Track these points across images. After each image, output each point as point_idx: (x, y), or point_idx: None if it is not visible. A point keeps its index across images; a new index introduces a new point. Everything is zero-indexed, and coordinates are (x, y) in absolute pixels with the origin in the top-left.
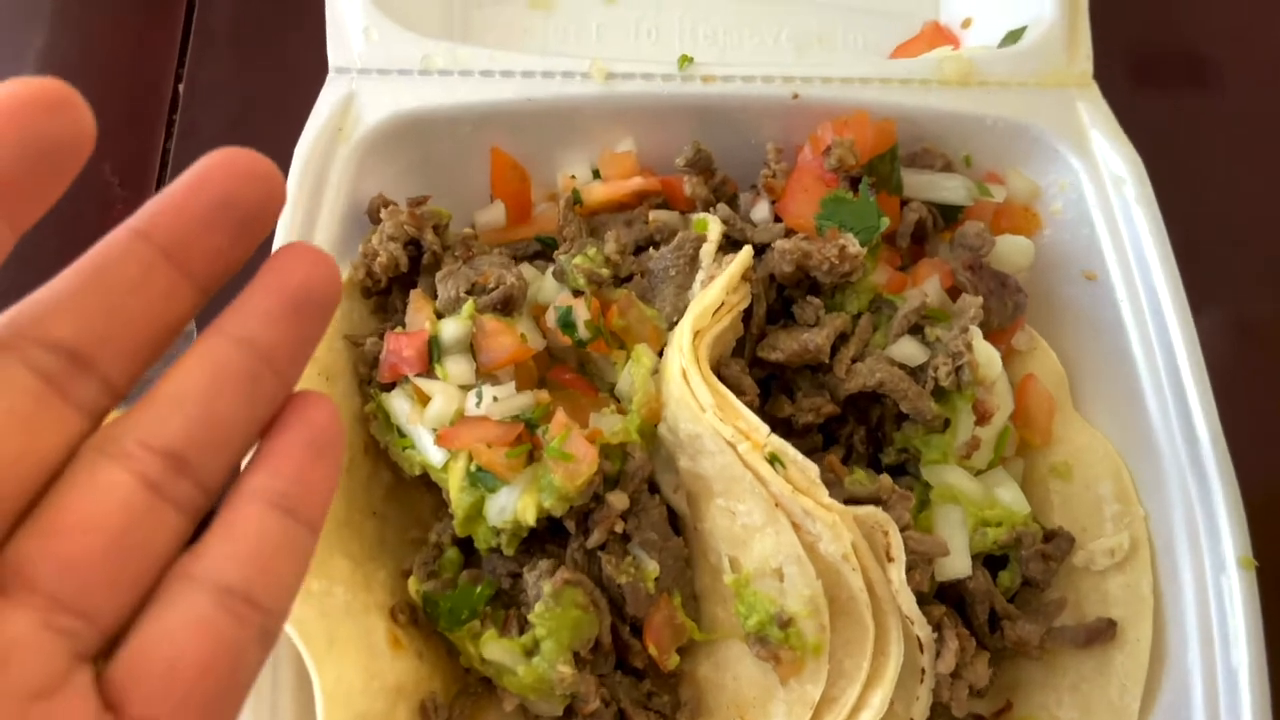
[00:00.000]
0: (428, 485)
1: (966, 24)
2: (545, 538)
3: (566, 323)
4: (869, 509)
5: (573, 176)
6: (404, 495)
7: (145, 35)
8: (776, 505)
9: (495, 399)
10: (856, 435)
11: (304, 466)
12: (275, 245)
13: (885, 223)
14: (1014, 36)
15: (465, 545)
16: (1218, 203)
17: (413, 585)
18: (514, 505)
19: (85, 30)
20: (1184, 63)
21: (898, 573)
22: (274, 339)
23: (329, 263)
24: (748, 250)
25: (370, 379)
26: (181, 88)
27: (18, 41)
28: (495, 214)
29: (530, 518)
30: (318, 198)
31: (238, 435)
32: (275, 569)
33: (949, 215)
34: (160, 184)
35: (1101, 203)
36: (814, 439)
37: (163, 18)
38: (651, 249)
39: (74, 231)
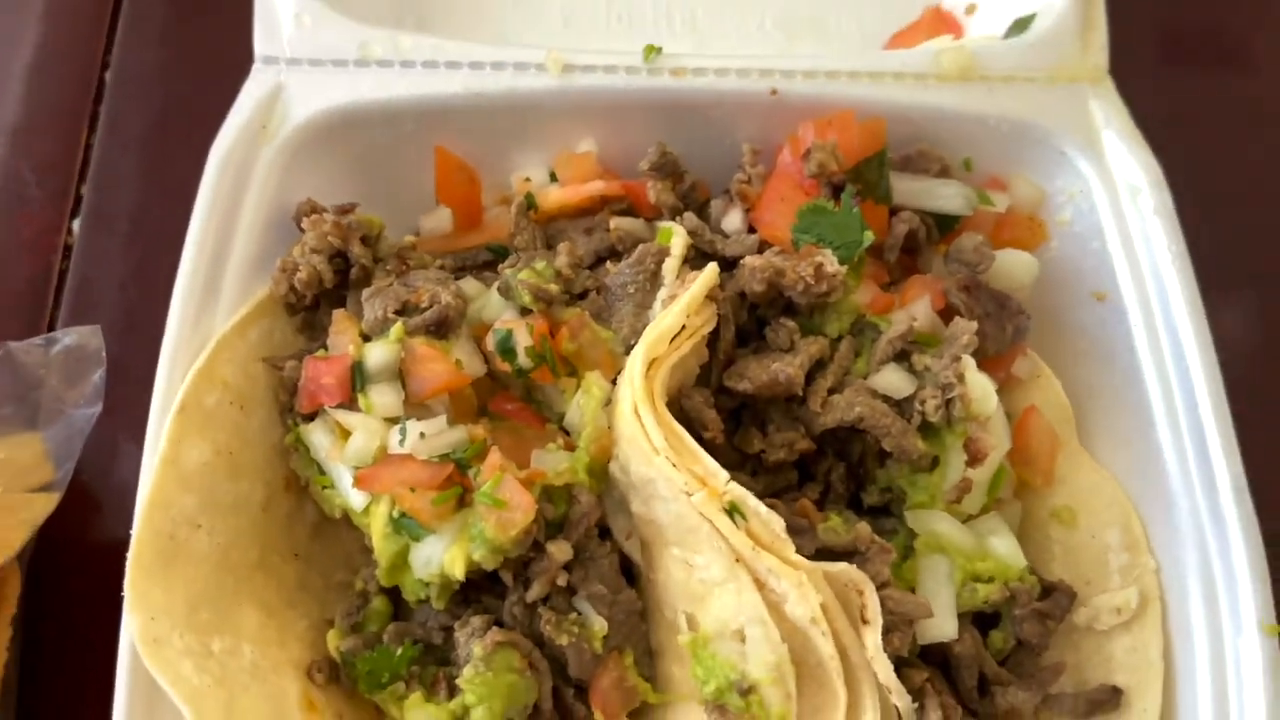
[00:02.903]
0: (353, 523)
1: (970, 10)
2: (483, 587)
3: (506, 348)
4: (842, 566)
5: (527, 179)
6: (331, 534)
7: (69, 19)
8: (737, 560)
9: (422, 435)
10: (835, 472)
11: None
12: (184, 257)
13: (869, 237)
14: (1021, 25)
15: (395, 593)
16: (1254, 204)
17: (332, 641)
18: (440, 556)
19: (4, 21)
20: (1214, 48)
21: (873, 637)
22: None
23: None
24: (712, 269)
25: (291, 407)
26: (108, 76)
27: None
28: (441, 220)
29: (459, 571)
30: (237, 203)
31: None
32: None
33: (945, 225)
34: (81, 182)
35: (1114, 214)
36: (788, 475)
37: (88, 2)
38: (609, 263)
39: None
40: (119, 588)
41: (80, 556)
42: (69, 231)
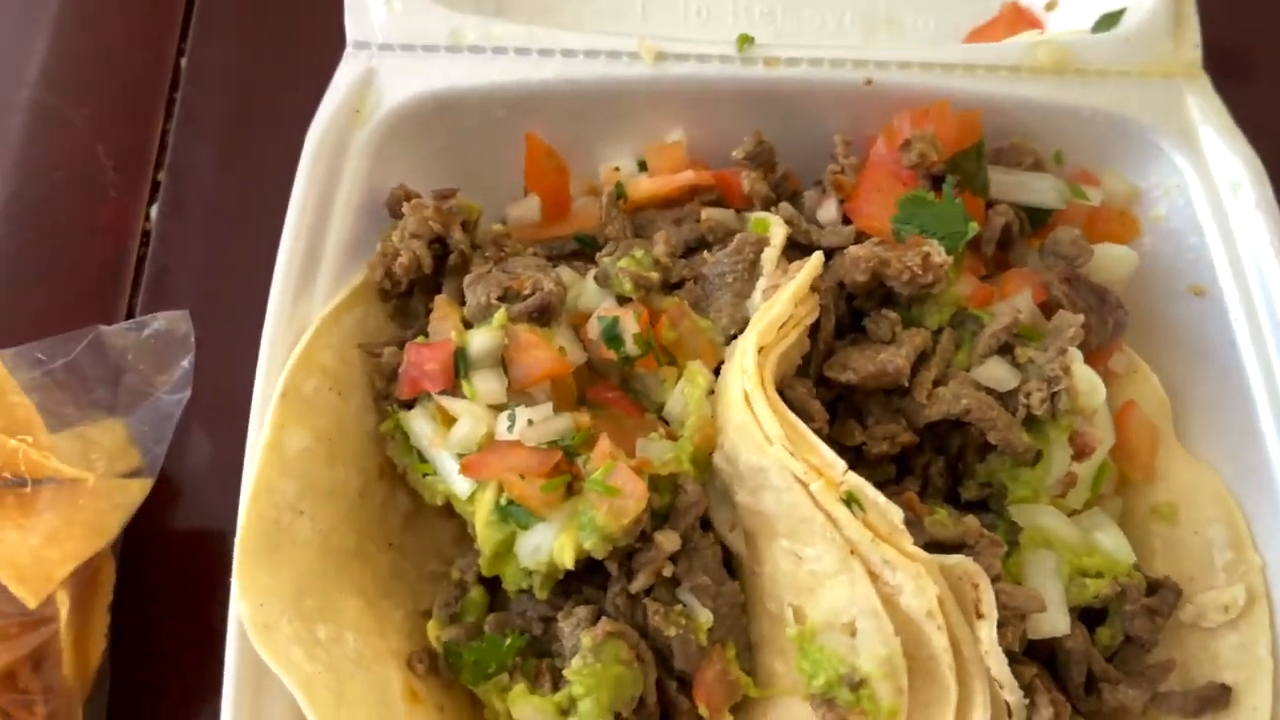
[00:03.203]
0: (450, 512)
1: (1051, 6)
2: (583, 577)
3: (612, 336)
4: (958, 558)
5: (616, 168)
6: (423, 524)
7: (150, 7)
8: (852, 552)
9: (530, 422)
10: (934, 466)
11: None
12: (283, 242)
13: (974, 228)
14: (1110, 20)
15: (492, 583)
16: None
17: (432, 631)
18: (550, 545)
19: (82, 9)
20: None
21: (988, 631)
22: None
23: None
24: (818, 256)
25: (388, 394)
26: (184, 62)
27: (26, 16)
28: (529, 208)
29: (568, 559)
30: (331, 189)
31: None
32: None
33: (1037, 219)
34: (158, 168)
35: (1213, 208)
36: (887, 469)
37: None
38: (705, 252)
39: (67, 218)
40: (202, 575)
41: (164, 544)
42: (146, 218)
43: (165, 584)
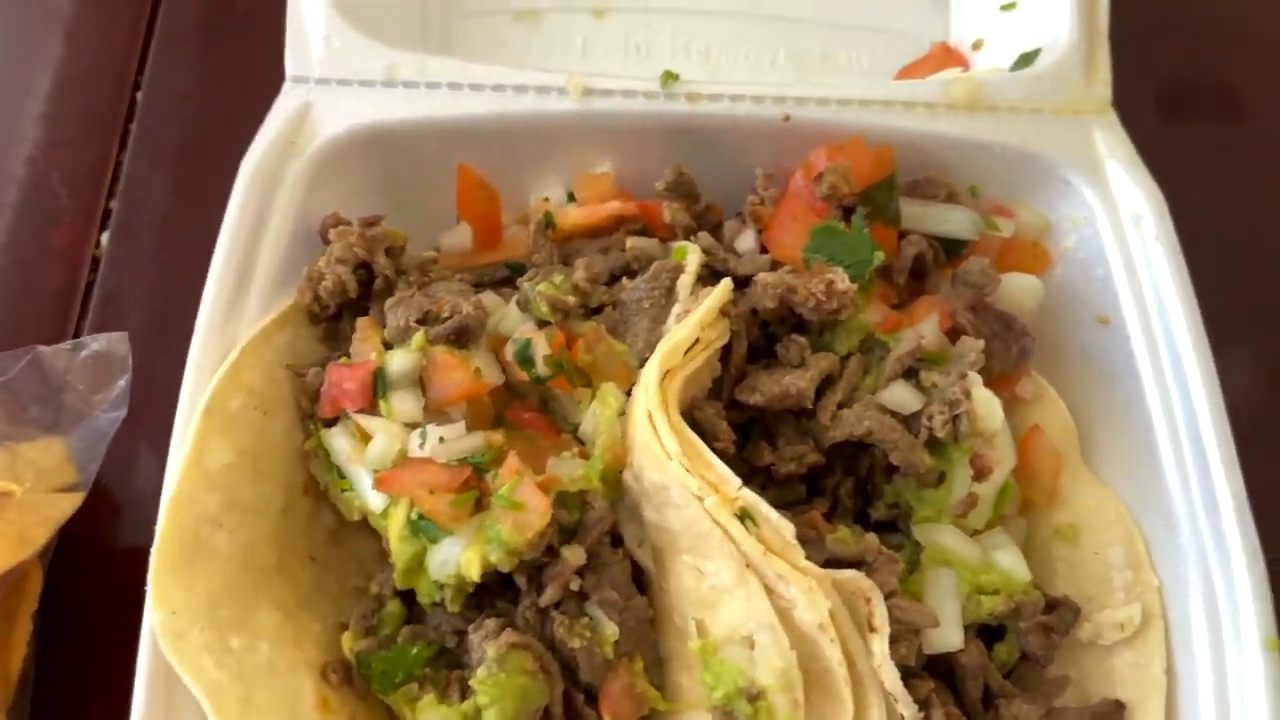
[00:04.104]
0: (373, 529)
1: (978, 45)
2: (496, 591)
3: (524, 357)
4: (850, 573)
5: (546, 199)
6: (346, 540)
7: (105, 39)
8: (748, 566)
9: (441, 439)
10: (843, 487)
11: None
12: (214, 265)
13: (879, 257)
14: (1027, 59)
15: (409, 597)
16: (1249, 241)
17: (347, 642)
18: (457, 558)
19: (41, 36)
20: (1214, 92)
21: (880, 645)
22: None
23: None
24: (726, 283)
25: (313, 413)
26: (140, 95)
27: None
28: (461, 236)
29: (474, 573)
30: (265, 216)
31: None
32: None
33: (951, 250)
34: (110, 196)
35: (1118, 240)
36: (796, 489)
37: (122, 25)
38: (626, 278)
39: (20, 243)
40: (136, 589)
41: (98, 558)
42: (97, 244)
43: (96, 594)
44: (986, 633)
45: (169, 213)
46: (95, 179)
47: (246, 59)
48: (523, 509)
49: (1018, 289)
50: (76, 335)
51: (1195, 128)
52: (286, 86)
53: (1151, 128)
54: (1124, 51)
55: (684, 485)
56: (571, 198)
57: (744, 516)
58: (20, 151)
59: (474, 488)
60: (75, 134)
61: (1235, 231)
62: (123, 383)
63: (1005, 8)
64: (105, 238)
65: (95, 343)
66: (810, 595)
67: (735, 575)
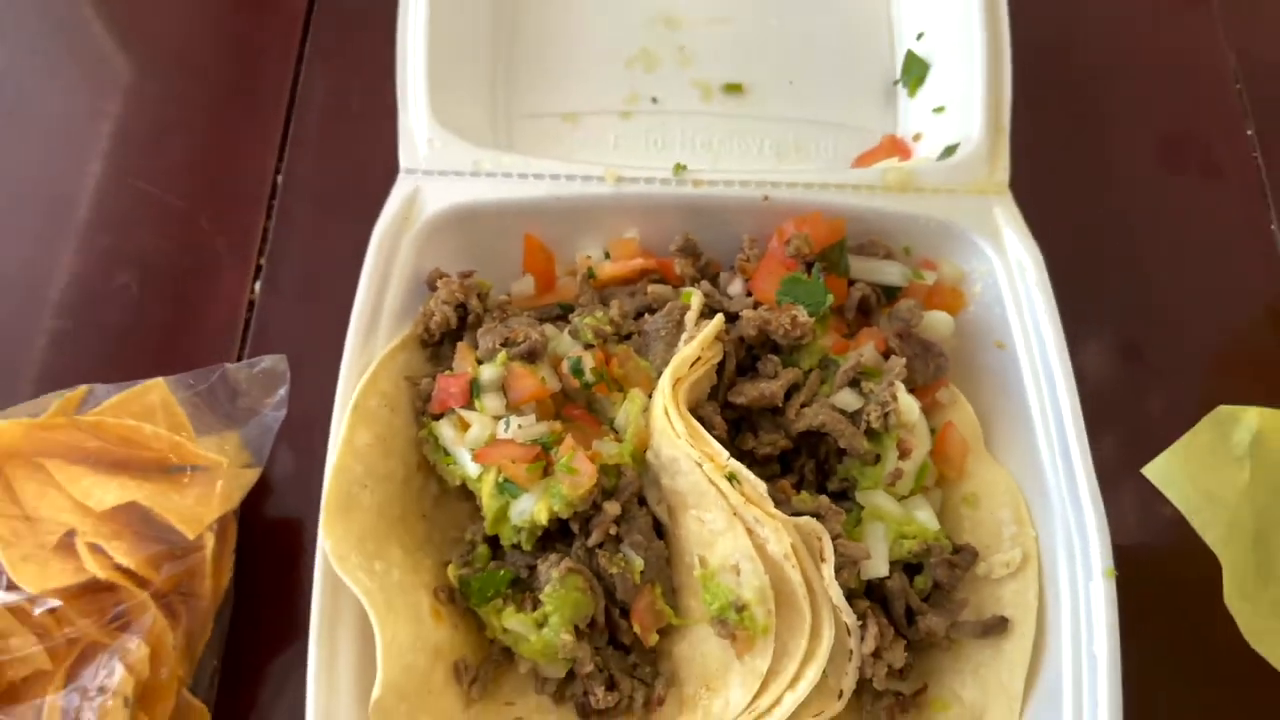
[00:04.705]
0: (465, 497)
1: (917, 138)
2: (555, 538)
3: (577, 370)
4: (806, 519)
5: (588, 256)
6: (447, 504)
7: (253, 139)
8: (734, 514)
9: (519, 426)
10: (807, 466)
11: None
12: (355, 307)
13: (830, 299)
14: (949, 151)
15: (493, 544)
16: (1111, 281)
17: (451, 571)
18: (531, 508)
19: (207, 136)
20: (1089, 169)
21: (828, 570)
22: None
23: None
24: (720, 317)
25: (424, 411)
26: (280, 179)
27: (160, 142)
28: (526, 285)
29: (543, 518)
30: (389, 270)
31: None
32: None
33: (890, 294)
34: (260, 255)
35: (1010, 286)
36: (773, 468)
37: (267, 128)
38: (648, 314)
39: (195, 290)
40: (283, 545)
41: (257, 523)
42: (252, 291)
43: (266, 540)
44: (908, 570)
45: (304, 269)
46: (249, 242)
47: (356, 148)
48: (577, 473)
49: (937, 322)
50: (239, 357)
51: (1061, 195)
52: (401, 176)
53: (1032, 203)
54: (1017, 146)
55: (689, 456)
56: (607, 255)
57: (731, 478)
58: (192, 222)
59: (542, 460)
60: (233, 208)
61: (1091, 270)
62: (283, 391)
63: (936, 110)
64: (258, 286)
65: (264, 361)
66: (778, 533)
67: (725, 521)
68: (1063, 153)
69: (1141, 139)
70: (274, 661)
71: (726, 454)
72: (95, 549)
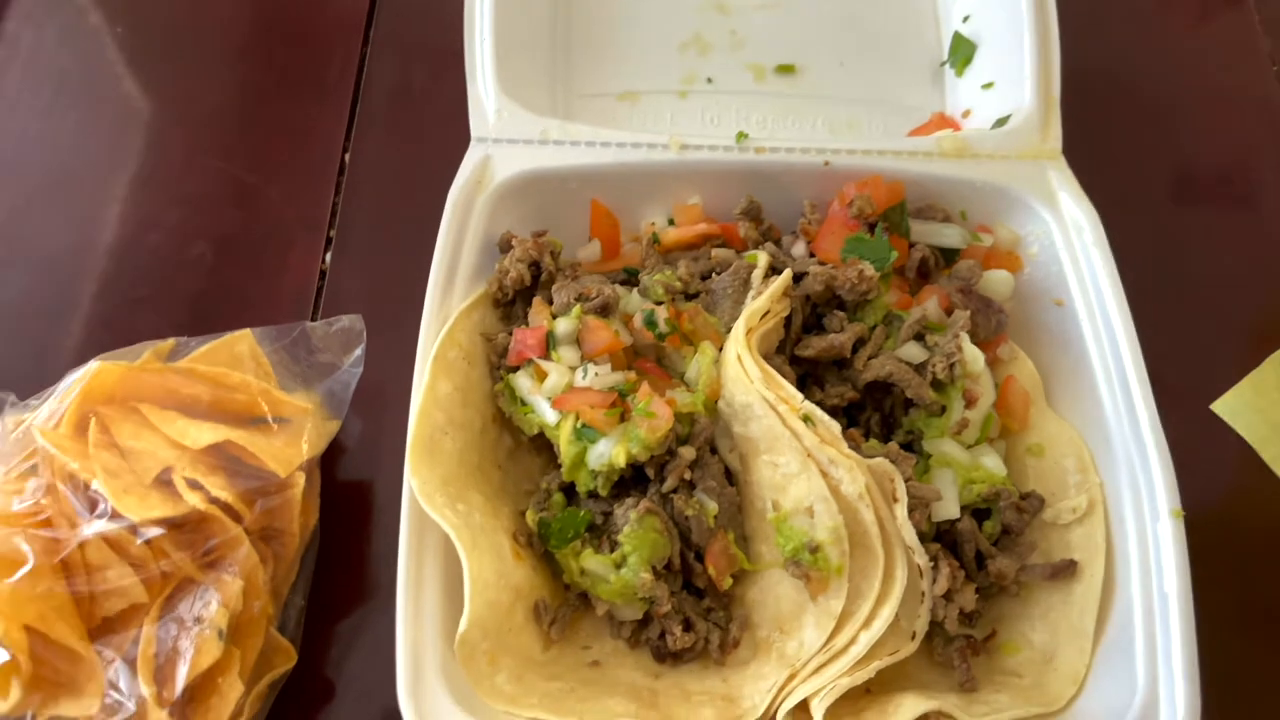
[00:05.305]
0: (538, 450)
1: (966, 114)
2: (630, 485)
3: (650, 322)
4: (879, 459)
5: (653, 223)
6: (520, 457)
7: (322, 120)
8: (808, 456)
9: (596, 374)
10: (873, 419)
11: None
12: (433, 268)
13: (894, 255)
14: (1001, 122)
15: (568, 493)
16: (1156, 241)
17: (530, 516)
18: (609, 452)
19: (278, 118)
20: (1137, 145)
21: (901, 511)
22: None
23: None
24: (788, 271)
25: (499, 365)
26: (348, 157)
27: (233, 124)
28: (593, 250)
29: (621, 461)
30: (463, 233)
31: None
32: None
33: (949, 256)
34: (331, 227)
35: (1066, 246)
36: (840, 421)
37: (335, 110)
38: (714, 276)
39: (271, 259)
40: (356, 495)
41: (335, 477)
42: (324, 260)
43: (336, 501)
44: (977, 515)
45: (371, 239)
46: (320, 215)
47: (419, 126)
48: (654, 416)
49: (996, 281)
50: (313, 319)
51: (1112, 166)
52: (473, 144)
53: (1086, 167)
54: (1068, 116)
55: (764, 399)
56: (671, 222)
57: (805, 419)
58: (264, 197)
59: (619, 406)
60: (305, 185)
61: (1147, 234)
62: (359, 350)
63: (985, 87)
64: (329, 256)
65: (342, 320)
66: (852, 473)
67: (800, 463)
68: (1105, 134)
69: (1187, 124)
70: (355, 606)
71: (801, 396)
72: (192, 484)
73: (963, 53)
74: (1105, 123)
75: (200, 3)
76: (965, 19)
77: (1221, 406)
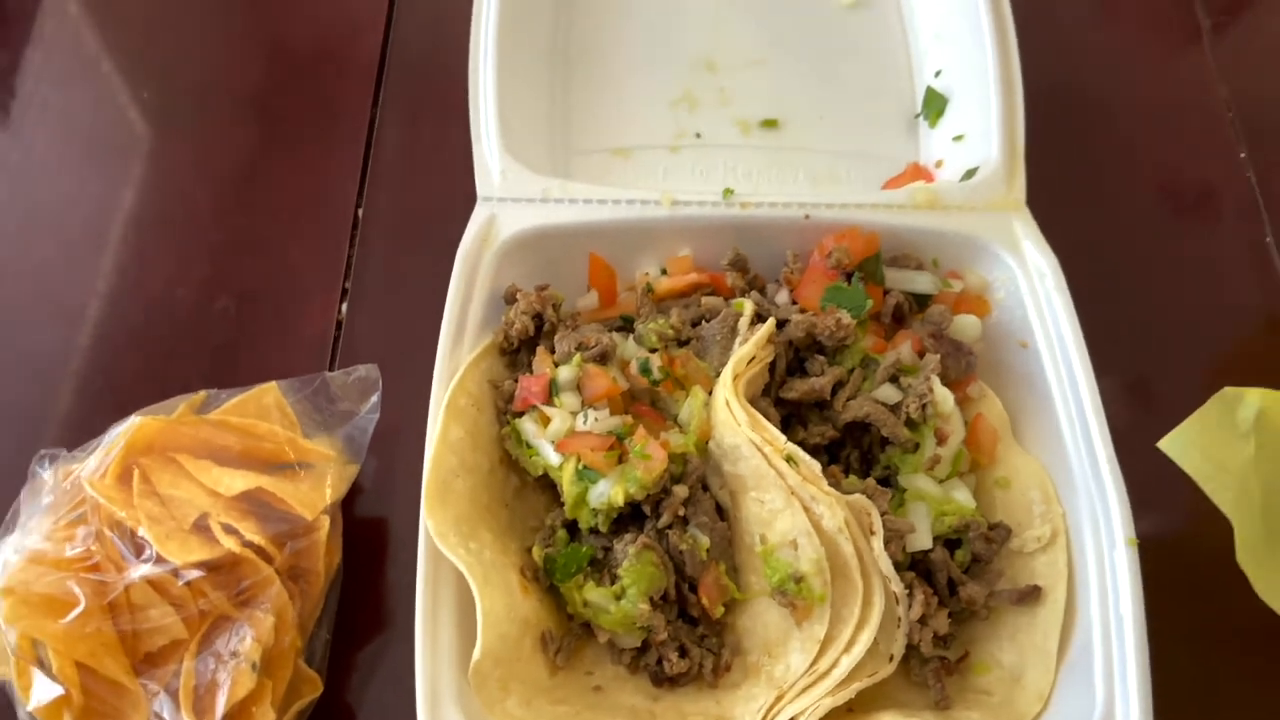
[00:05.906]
0: (542, 489)
1: (939, 164)
2: (628, 521)
3: (645, 369)
4: (857, 496)
5: (647, 273)
6: (526, 496)
7: (335, 177)
8: (792, 493)
9: (596, 419)
10: (853, 455)
11: None
12: (444, 320)
13: (870, 304)
14: (970, 174)
15: (571, 529)
16: (1113, 286)
17: (536, 551)
18: (609, 491)
19: (295, 176)
20: (1096, 192)
21: (878, 543)
22: None
23: None
24: (773, 319)
25: (506, 410)
26: (360, 212)
27: (250, 182)
28: (591, 299)
29: (620, 500)
30: (471, 287)
31: None
32: None
33: (921, 301)
34: (347, 278)
35: (1030, 292)
36: (821, 458)
37: (347, 167)
38: (704, 322)
39: (290, 310)
40: (373, 535)
41: (354, 517)
42: (340, 311)
43: (355, 540)
44: (949, 545)
45: (385, 292)
46: (335, 268)
47: (427, 185)
48: (650, 458)
49: (964, 325)
50: (332, 368)
51: (1072, 213)
52: (479, 203)
53: (1048, 216)
54: (1030, 166)
55: (751, 441)
56: (664, 272)
57: (789, 459)
58: (282, 253)
59: (617, 449)
60: (320, 239)
61: (1103, 280)
62: (375, 397)
63: (956, 139)
64: (344, 306)
65: (359, 370)
66: (832, 509)
67: (784, 500)
68: (1066, 182)
69: (1142, 166)
70: (375, 638)
71: (784, 438)
72: (228, 529)
73: (935, 106)
74: (1068, 168)
75: (220, 67)
76: (937, 74)
77: (1167, 444)
